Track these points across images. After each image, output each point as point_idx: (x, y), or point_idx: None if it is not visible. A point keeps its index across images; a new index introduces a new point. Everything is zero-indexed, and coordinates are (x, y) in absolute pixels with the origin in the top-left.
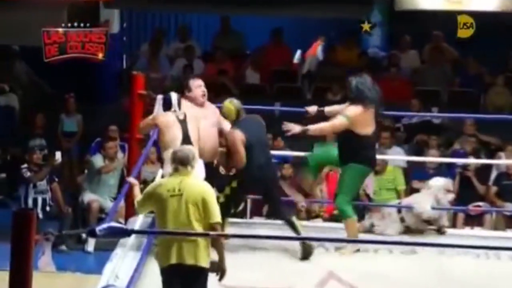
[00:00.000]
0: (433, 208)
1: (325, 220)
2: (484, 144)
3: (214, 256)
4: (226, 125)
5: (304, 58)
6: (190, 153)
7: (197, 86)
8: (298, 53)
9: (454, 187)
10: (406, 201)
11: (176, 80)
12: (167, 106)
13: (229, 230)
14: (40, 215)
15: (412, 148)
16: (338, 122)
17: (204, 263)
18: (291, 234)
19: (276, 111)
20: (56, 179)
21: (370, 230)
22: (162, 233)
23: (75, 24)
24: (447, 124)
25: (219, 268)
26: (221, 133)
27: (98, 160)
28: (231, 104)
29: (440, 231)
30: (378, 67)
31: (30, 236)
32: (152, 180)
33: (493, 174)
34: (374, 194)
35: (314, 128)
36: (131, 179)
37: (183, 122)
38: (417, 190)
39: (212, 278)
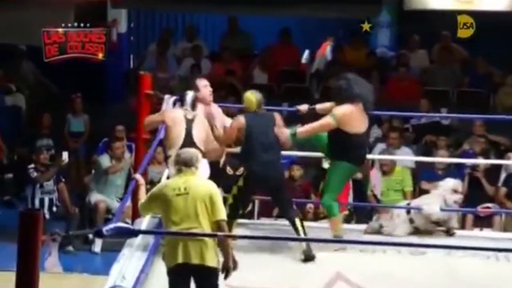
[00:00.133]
0: (442, 210)
1: None
2: (494, 144)
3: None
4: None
5: (313, 58)
6: (193, 154)
7: (204, 86)
8: (307, 53)
9: (463, 188)
10: (415, 202)
11: (184, 80)
12: (181, 103)
13: (236, 231)
14: (47, 216)
15: (420, 148)
16: (326, 122)
17: (211, 262)
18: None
19: (284, 111)
20: (63, 179)
21: (378, 231)
22: (169, 234)
23: (82, 24)
24: (456, 124)
25: (224, 267)
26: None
27: (105, 160)
28: (253, 95)
29: (449, 232)
30: (387, 67)
31: (37, 236)
32: (159, 181)
33: (503, 175)
34: (382, 195)
35: (301, 130)
36: (138, 176)
37: (190, 122)
38: (425, 191)
39: None
